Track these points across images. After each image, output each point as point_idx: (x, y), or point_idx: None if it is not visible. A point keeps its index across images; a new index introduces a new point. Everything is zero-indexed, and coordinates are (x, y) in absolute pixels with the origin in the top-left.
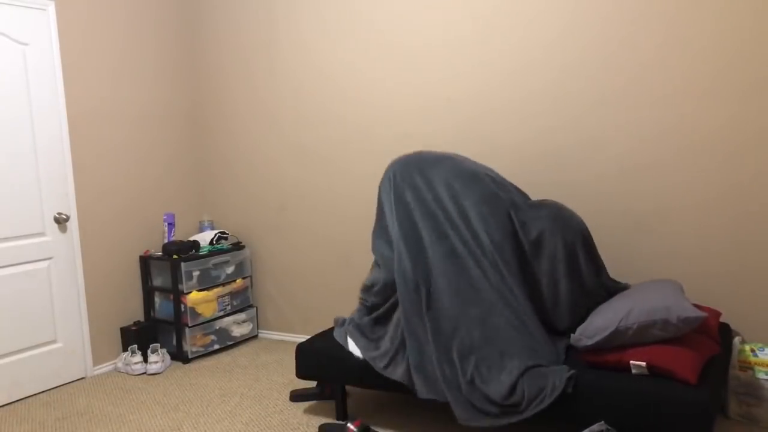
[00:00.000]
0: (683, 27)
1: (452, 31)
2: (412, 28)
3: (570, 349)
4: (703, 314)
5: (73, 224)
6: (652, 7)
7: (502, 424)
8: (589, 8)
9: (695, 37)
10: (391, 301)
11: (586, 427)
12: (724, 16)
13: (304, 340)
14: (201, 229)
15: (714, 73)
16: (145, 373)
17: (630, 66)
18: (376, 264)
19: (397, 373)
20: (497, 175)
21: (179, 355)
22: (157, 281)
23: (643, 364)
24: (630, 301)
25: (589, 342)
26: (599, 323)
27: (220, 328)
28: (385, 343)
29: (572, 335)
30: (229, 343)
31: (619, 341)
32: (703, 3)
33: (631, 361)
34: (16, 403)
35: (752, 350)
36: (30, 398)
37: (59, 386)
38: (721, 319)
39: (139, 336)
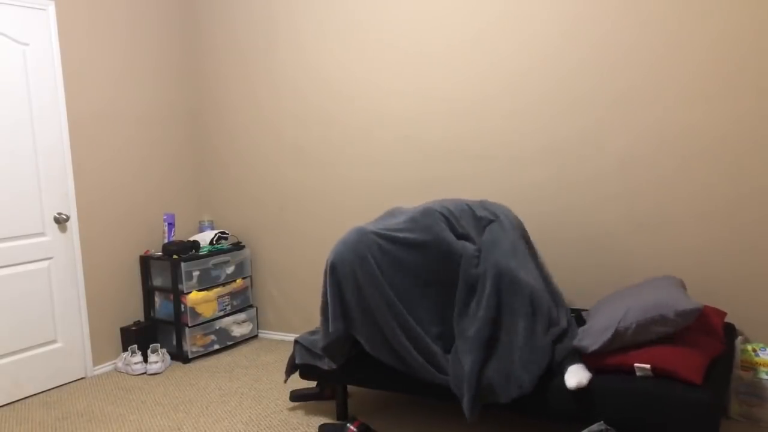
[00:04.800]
0: (690, 29)
1: (452, 33)
2: (412, 31)
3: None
4: (700, 305)
5: (73, 224)
6: (658, 9)
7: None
8: (593, 11)
9: (702, 39)
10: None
11: (585, 427)
12: (733, 18)
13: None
14: (201, 229)
15: (721, 77)
16: (145, 373)
17: (632, 71)
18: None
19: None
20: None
21: (179, 355)
22: (157, 281)
23: (648, 366)
24: (627, 301)
25: (593, 348)
26: (599, 326)
27: (220, 328)
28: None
29: (574, 341)
30: (229, 343)
31: (621, 342)
32: (710, 5)
33: (636, 364)
34: (16, 403)
35: (754, 350)
36: (30, 398)
37: (59, 386)
38: (726, 320)
39: (139, 336)
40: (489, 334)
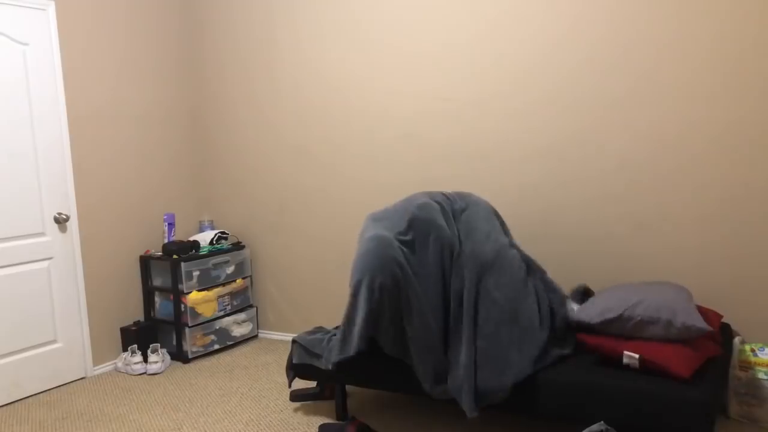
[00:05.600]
0: (688, 29)
1: (452, 33)
2: (412, 30)
3: (569, 327)
4: (708, 328)
5: (73, 224)
6: (654, 10)
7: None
8: (592, 11)
9: (700, 39)
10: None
11: (585, 427)
12: (730, 18)
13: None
14: (201, 229)
15: (718, 76)
16: (145, 373)
17: (631, 70)
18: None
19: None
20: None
21: (179, 355)
22: (157, 281)
23: (636, 355)
24: (640, 293)
25: (592, 321)
26: (605, 304)
27: (220, 328)
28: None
29: (574, 310)
30: (229, 343)
31: (619, 329)
32: (708, 4)
33: (625, 351)
34: (16, 403)
35: (752, 350)
36: (30, 398)
37: (59, 386)
38: (723, 320)
39: (139, 336)
40: (477, 339)
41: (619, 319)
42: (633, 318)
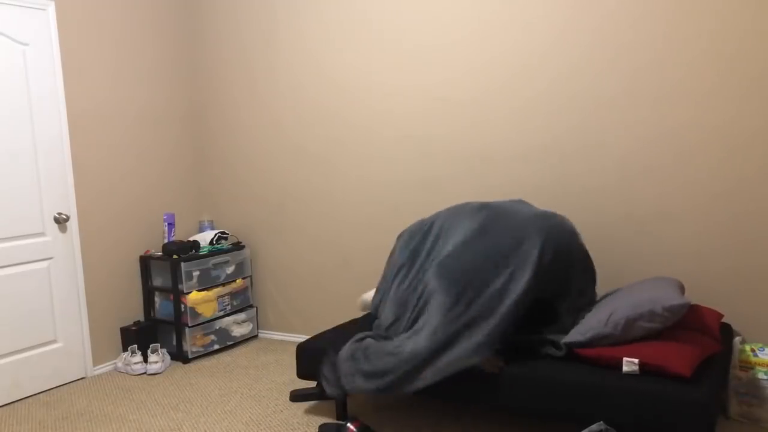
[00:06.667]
0: (682, 28)
1: (453, 32)
2: (414, 29)
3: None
4: (687, 301)
5: (73, 224)
6: (650, 8)
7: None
8: (588, 10)
9: (693, 38)
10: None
11: (585, 427)
12: (723, 17)
13: (305, 339)
14: (201, 229)
15: (712, 75)
16: (145, 373)
17: (629, 68)
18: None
19: None
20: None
21: (179, 355)
22: (157, 281)
23: (635, 361)
24: (618, 299)
25: (582, 339)
26: (591, 322)
27: (220, 328)
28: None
29: (569, 333)
30: (229, 343)
31: (612, 338)
32: (701, 4)
33: (624, 359)
34: (16, 403)
35: (753, 350)
36: (30, 398)
37: (59, 386)
38: (724, 320)
39: (139, 336)
40: None
41: (606, 328)
42: (618, 323)
